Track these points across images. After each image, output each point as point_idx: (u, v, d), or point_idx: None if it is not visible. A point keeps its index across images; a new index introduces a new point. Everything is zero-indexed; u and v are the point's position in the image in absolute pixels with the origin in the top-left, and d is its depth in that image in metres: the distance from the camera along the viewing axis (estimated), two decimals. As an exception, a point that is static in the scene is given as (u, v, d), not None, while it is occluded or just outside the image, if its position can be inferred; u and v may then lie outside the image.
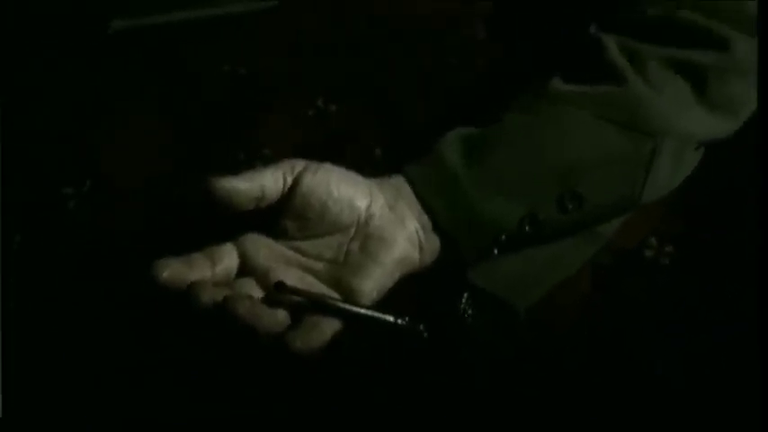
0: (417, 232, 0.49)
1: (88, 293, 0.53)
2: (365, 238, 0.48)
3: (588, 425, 0.53)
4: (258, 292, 0.45)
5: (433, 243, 0.50)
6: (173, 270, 0.44)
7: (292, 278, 0.46)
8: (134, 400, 0.53)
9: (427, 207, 0.49)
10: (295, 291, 0.44)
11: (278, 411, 0.51)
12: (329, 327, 0.44)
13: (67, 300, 0.54)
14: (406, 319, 0.46)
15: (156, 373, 0.54)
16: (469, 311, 0.52)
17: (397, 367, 0.51)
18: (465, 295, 0.51)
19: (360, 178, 0.49)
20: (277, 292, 0.44)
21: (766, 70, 0.50)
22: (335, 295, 0.46)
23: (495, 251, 0.49)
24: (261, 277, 0.46)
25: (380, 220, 0.48)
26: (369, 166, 0.51)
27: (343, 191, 0.47)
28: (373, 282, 0.46)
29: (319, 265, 0.47)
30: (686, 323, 0.57)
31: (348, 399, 0.51)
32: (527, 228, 0.49)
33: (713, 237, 0.56)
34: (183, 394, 0.53)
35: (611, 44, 0.51)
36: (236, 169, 0.47)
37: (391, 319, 0.46)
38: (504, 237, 0.49)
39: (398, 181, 0.50)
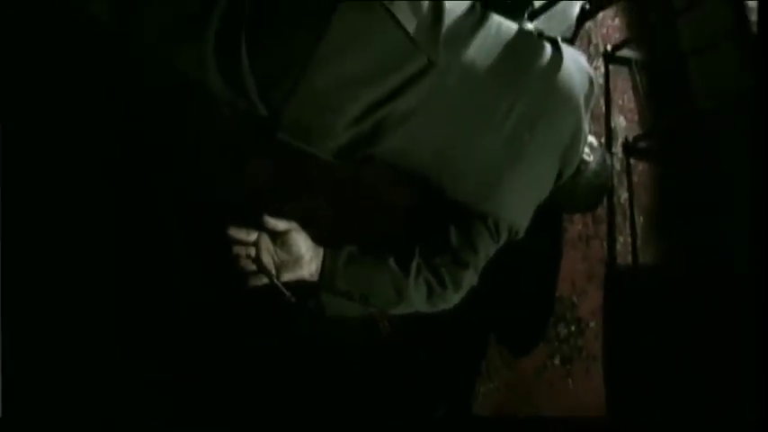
0: (313, 272, 1.33)
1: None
2: (295, 262, 1.31)
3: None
4: (253, 253, 1.30)
5: (315, 278, 1.34)
6: (233, 231, 1.27)
7: (266, 258, 1.30)
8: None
9: (322, 268, 1.33)
10: (262, 265, 1.29)
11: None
12: (263, 280, 1.29)
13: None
14: (291, 293, 1.31)
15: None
16: (313, 305, 1.38)
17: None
18: (314, 299, 1.37)
19: (311, 243, 1.33)
20: (256, 262, 1.29)
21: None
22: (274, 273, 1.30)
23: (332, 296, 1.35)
24: (257, 250, 1.29)
25: (305, 261, 1.32)
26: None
27: (302, 244, 1.31)
28: (287, 277, 1.31)
29: (278, 260, 1.31)
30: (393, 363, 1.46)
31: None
32: (348, 297, 1.34)
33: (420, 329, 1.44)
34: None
35: (416, 259, 1.35)
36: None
37: (286, 290, 1.31)
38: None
39: (321, 252, 1.34)
